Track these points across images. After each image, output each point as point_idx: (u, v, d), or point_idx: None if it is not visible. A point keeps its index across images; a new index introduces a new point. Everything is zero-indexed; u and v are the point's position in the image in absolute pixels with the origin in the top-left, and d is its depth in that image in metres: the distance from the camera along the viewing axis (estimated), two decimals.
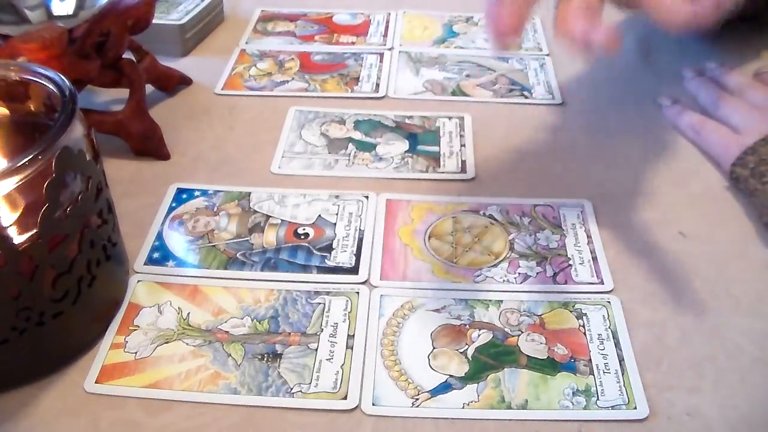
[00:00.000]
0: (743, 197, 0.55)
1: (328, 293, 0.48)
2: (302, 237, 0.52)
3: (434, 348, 0.44)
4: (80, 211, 0.40)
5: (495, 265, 0.50)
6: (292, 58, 0.73)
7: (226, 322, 0.46)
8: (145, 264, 0.50)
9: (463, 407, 0.41)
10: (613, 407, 0.41)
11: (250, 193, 0.56)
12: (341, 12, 0.82)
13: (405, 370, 0.43)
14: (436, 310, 0.47)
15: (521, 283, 0.49)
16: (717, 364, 0.44)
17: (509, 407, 0.41)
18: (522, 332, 0.45)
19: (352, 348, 0.44)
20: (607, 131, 0.63)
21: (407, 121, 0.64)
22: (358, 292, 0.48)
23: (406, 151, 0.60)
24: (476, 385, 0.42)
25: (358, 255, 0.51)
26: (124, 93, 0.60)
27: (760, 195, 0.52)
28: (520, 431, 0.40)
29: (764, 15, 0.69)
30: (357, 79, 0.70)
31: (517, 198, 0.56)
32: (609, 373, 0.43)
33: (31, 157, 0.37)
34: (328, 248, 0.51)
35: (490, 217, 0.54)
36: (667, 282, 0.49)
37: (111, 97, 0.65)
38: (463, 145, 0.61)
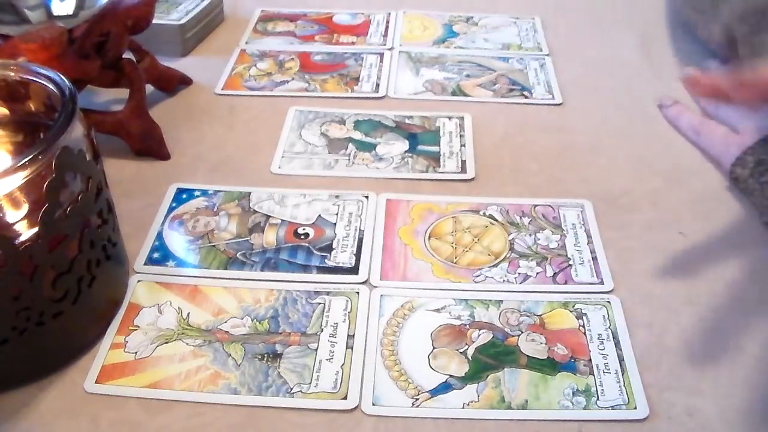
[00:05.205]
0: (743, 197, 0.55)
1: (328, 293, 0.48)
2: (302, 237, 0.52)
3: (434, 348, 0.44)
4: (80, 211, 0.40)
5: (495, 265, 0.50)
6: (292, 58, 0.73)
7: (226, 322, 0.46)
8: (145, 264, 0.50)
9: (463, 407, 0.41)
10: (613, 407, 0.41)
11: (250, 193, 0.56)
12: (341, 12, 0.82)
13: (405, 370, 0.43)
14: (436, 310, 0.47)
15: (521, 283, 0.49)
16: (717, 364, 0.43)
17: (509, 407, 0.41)
18: (522, 332, 0.45)
19: (352, 348, 0.44)
20: (607, 131, 0.63)
21: (407, 121, 0.64)
22: (358, 292, 0.48)
23: (406, 151, 0.60)
24: (476, 385, 0.42)
25: (358, 255, 0.50)
26: (124, 93, 0.60)
27: (757, 195, 0.52)
28: (520, 431, 0.40)
29: None
30: (357, 79, 0.70)
31: (517, 198, 0.56)
32: (609, 373, 0.43)
33: (31, 157, 0.37)
34: (328, 248, 0.51)
35: (490, 217, 0.54)
36: (667, 282, 0.49)
37: (111, 97, 0.65)
38: (463, 145, 0.61)
